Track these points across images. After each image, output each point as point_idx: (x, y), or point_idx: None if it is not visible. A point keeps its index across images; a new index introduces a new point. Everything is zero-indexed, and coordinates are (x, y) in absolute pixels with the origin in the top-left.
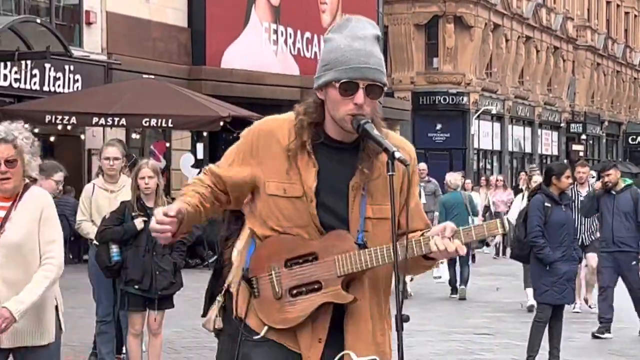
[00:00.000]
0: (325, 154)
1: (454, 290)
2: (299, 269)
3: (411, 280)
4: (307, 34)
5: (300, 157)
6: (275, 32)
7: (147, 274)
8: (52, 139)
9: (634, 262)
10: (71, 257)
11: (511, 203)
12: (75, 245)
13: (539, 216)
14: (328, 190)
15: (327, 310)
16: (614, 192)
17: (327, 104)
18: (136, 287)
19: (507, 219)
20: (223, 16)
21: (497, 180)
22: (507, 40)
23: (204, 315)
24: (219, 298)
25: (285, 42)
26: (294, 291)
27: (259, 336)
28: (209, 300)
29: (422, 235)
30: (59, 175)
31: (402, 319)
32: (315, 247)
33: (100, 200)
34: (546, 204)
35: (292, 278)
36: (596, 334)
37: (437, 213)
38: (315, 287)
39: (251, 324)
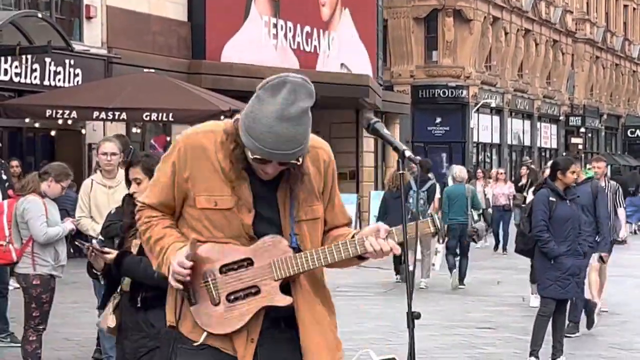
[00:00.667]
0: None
1: (462, 280)
2: (235, 274)
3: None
4: (307, 28)
5: (230, 171)
6: (275, 26)
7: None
8: (52, 133)
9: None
10: (72, 251)
11: (512, 196)
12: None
13: (544, 210)
14: (260, 199)
15: (260, 311)
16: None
17: None
18: None
19: (438, 217)
20: (223, 10)
21: (498, 173)
22: (506, 34)
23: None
24: (115, 295)
25: (285, 36)
26: (232, 297)
27: (197, 343)
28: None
29: (354, 235)
30: (67, 182)
31: (413, 316)
32: (250, 253)
33: (98, 196)
34: (551, 198)
35: (229, 284)
36: (567, 334)
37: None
38: (253, 291)
39: (185, 332)
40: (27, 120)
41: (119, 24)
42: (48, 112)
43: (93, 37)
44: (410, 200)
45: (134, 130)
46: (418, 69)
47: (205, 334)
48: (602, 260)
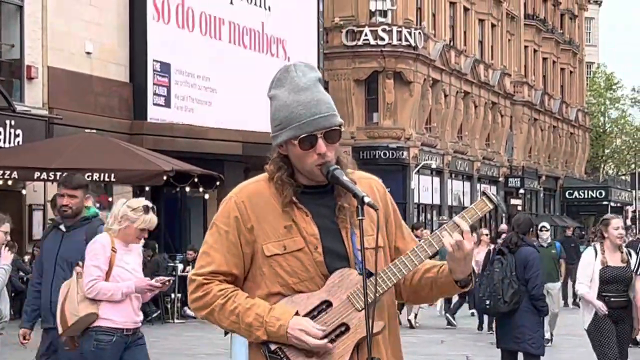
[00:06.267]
0: (309, 200)
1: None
2: (319, 320)
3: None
4: None
5: (291, 210)
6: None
7: None
8: None
9: None
10: (12, 313)
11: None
12: (17, 300)
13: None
14: (324, 231)
15: (352, 354)
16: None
17: (291, 158)
18: None
19: (492, 192)
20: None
21: (481, 235)
22: (445, 96)
23: None
24: None
25: None
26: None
27: None
28: None
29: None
30: (6, 227)
31: None
32: (324, 294)
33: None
34: None
35: None
36: None
37: None
38: (343, 329)
39: None
40: None
41: (61, 84)
42: None
43: (34, 97)
44: None
45: None
46: (359, 131)
47: None
48: None
